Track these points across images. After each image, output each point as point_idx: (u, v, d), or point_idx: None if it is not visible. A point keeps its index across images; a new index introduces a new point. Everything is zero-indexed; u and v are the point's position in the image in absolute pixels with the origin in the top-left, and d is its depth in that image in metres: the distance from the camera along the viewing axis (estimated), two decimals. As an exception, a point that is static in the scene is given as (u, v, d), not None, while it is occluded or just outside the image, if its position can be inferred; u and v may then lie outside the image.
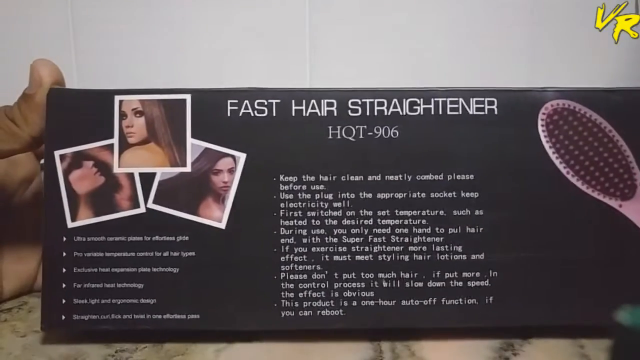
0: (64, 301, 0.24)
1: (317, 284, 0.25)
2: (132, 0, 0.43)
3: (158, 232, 0.25)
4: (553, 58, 0.41)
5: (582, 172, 0.25)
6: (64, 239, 0.25)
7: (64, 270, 0.25)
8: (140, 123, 0.25)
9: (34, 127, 0.26)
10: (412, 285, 0.25)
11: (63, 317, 0.24)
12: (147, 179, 0.25)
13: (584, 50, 0.40)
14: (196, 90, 0.25)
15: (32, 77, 0.26)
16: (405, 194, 0.25)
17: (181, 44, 0.43)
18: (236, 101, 0.25)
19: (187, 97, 0.25)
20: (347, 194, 0.25)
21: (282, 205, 0.25)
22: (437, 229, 0.25)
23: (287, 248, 0.25)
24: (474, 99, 0.25)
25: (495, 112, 0.25)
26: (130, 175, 0.25)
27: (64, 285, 0.24)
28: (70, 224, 0.25)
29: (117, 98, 0.25)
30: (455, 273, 0.25)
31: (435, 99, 0.25)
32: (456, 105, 0.25)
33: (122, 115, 0.25)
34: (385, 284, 0.25)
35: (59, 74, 0.26)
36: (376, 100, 0.25)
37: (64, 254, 0.25)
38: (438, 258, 0.25)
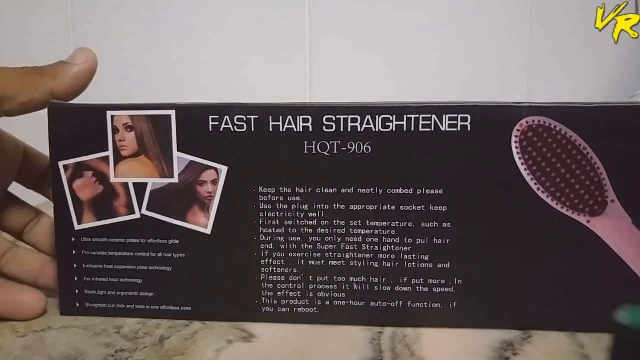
0: (77, 291, 0.28)
1: (294, 285, 0.27)
2: (132, 0, 0.43)
3: (152, 235, 0.28)
4: (553, 58, 0.39)
5: (553, 189, 0.25)
6: (73, 239, 0.28)
7: (74, 265, 0.28)
8: (131, 137, 0.27)
9: (59, 85, 0.27)
10: (380, 289, 0.27)
11: (77, 305, 0.28)
12: (140, 188, 0.27)
13: (584, 50, 0.38)
14: (180, 106, 0.27)
15: (80, 53, 0.28)
16: (376, 206, 0.26)
17: (182, 42, 0.44)
18: (217, 117, 0.26)
19: (172, 113, 0.27)
20: (322, 205, 0.27)
21: (261, 214, 0.27)
22: (405, 239, 0.26)
23: (266, 253, 0.27)
24: (447, 116, 0.25)
25: (469, 129, 0.25)
26: (125, 185, 0.27)
27: (76, 279, 0.28)
28: (77, 227, 0.28)
29: (109, 113, 0.27)
30: (422, 280, 0.27)
31: (408, 116, 0.26)
32: (429, 122, 0.25)
33: (115, 130, 0.27)
34: (355, 287, 0.27)
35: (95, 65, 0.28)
36: (350, 117, 0.26)
37: (74, 252, 0.28)
38: (405, 265, 0.27)
